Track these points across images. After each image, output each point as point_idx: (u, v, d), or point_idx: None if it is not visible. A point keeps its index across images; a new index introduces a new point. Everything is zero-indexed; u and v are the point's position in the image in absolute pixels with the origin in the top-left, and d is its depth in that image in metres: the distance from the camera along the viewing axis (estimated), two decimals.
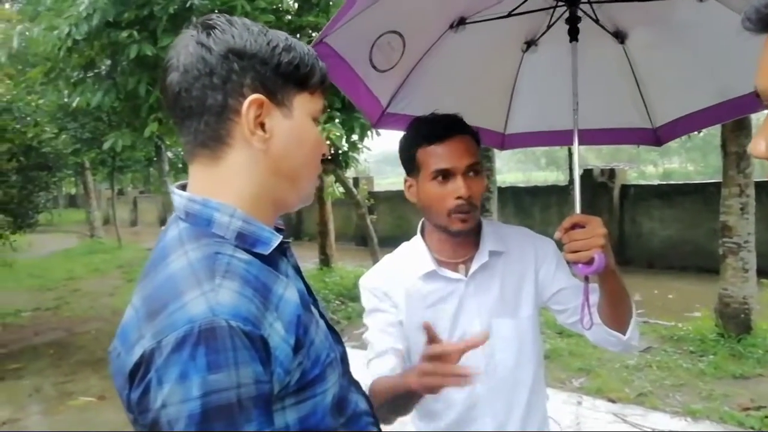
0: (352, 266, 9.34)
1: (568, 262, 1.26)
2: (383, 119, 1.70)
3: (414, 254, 1.42)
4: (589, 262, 1.17)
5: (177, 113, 0.79)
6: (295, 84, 0.81)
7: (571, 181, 9.48)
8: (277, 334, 0.71)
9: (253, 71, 0.77)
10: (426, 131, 1.32)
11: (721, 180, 5.26)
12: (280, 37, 0.81)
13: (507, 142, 1.87)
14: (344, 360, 0.89)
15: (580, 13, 1.38)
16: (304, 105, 0.82)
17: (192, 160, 0.81)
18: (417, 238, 1.44)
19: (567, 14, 1.38)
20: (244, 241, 0.77)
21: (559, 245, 1.28)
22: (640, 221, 9.28)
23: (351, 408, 0.87)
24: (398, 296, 1.38)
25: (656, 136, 1.71)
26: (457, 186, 1.28)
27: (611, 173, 9.40)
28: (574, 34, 1.34)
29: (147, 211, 21.83)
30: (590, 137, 1.75)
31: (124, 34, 4.69)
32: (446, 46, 1.58)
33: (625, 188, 9.50)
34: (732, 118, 1.59)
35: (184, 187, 0.83)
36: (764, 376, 4.49)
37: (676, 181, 12.59)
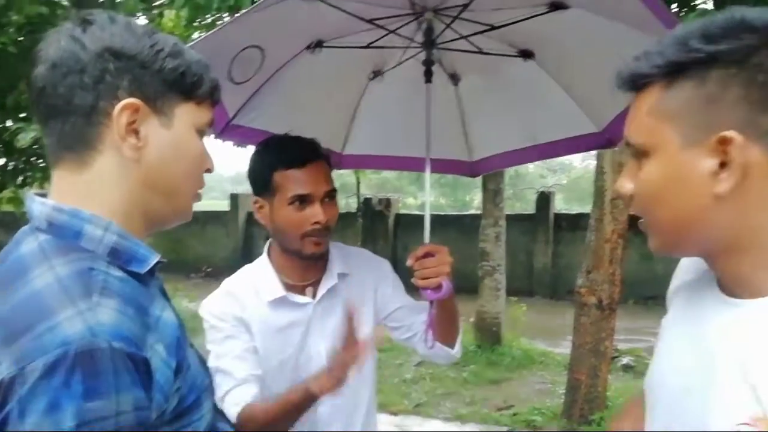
0: None
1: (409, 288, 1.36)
2: (227, 130, 1.65)
3: (261, 278, 1.39)
4: (437, 288, 1.29)
5: (41, 110, 0.74)
6: (179, 92, 0.77)
7: (359, 209, 10.14)
8: (159, 356, 0.67)
9: (131, 74, 0.73)
10: (285, 155, 1.31)
11: (474, 212, 6.12)
12: (168, 41, 0.77)
13: (344, 162, 1.95)
14: (211, 388, 0.86)
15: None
16: (188, 116, 0.78)
17: (56, 164, 0.75)
18: (263, 261, 1.42)
19: (419, 55, 1.50)
20: (118, 258, 0.72)
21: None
22: (411, 247, 10.13)
23: None
24: (249, 322, 1.34)
25: (472, 169, 1.95)
26: (315, 212, 1.30)
27: (387, 203, 10.23)
28: (429, 76, 1.44)
29: None
30: (416, 165, 1.92)
31: None
32: (299, 65, 1.60)
33: (398, 217, 10.39)
34: (538, 160, 1.92)
35: (43, 196, 0.75)
36: (512, 379, 5.30)
37: (432, 212, 14.24)
